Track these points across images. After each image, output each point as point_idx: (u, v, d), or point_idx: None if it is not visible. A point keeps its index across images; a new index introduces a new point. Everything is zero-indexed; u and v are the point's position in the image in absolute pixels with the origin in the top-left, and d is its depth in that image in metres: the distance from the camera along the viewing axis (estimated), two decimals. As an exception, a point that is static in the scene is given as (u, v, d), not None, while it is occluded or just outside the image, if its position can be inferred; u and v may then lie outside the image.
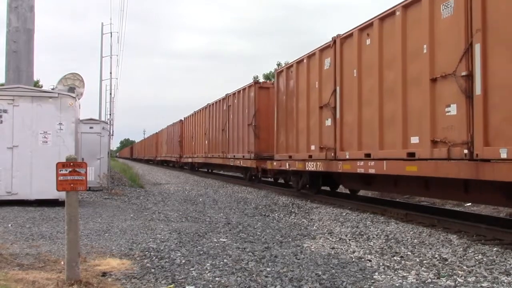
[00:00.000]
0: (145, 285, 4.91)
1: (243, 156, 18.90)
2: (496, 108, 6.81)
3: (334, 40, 11.66)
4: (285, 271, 5.42)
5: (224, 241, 7.20)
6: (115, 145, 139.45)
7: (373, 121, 9.96)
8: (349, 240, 7.56)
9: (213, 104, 24.71)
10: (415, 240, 7.46)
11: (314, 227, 8.84)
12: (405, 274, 5.37)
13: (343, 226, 8.90)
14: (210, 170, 31.21)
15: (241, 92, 19.69)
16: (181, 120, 35.07)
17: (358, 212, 10.76)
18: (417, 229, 8.34)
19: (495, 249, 6.71)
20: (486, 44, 6.93)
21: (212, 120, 24.65)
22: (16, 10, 13.41)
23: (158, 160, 50.41)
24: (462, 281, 5.14)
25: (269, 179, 19.51)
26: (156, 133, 52.00)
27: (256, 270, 5.45)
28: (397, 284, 4.99)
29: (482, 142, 6.92)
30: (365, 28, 10.27)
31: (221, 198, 14.30)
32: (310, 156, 12.75)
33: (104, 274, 5.20)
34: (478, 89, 7.04)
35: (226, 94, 22.02)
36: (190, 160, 31.01)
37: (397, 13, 9.04)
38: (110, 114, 33.64)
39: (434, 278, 5.22)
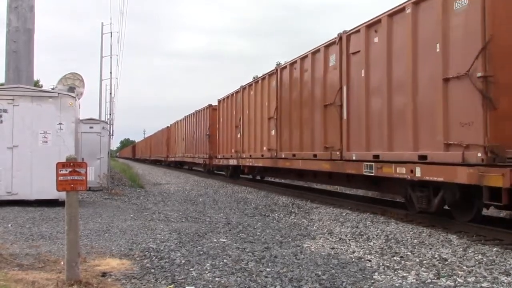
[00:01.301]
0: (145, 285, 4.91)
1: (430, 158, 8.18)
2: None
3: None
4: (285, 271, 5.42)
5: (224, 241, 7.20)
6: (115, 145, 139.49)
7: None
8: (349, 240, 7.56)
9: (290, 64, 14.30)
10: (415, 240, 7.46)
11: (314, 227, 8.84)
12: (405, 274, 5.38)
13: (343, 226, 8.90)
14: (258, 177, 21.92)
15: (410, 7, 8.76)
16: (210, 105, 25.31)
17: (358, 212, 10.76)
18: (417, 229, 8.34)
19: (495, 249, 6.71)
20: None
21: (292, 90, 14.10)
22: (16, 10, 13.41)
23: (170, 161, 39.81)
24: (462, 281, 5.14)
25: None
26: (168, 127, 41.23)
27: (256, 270, 5.45)
28: (397, 284, 4.99)
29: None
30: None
31: (221, 198, 14.30)
32: None
33: (104, 274, 5.20)
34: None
35: (340, 34, 11.34)
36: (232, 162, 20.44)
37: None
38: (110, 114, 33.51)
39: (434, 278, 5.22)
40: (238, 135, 19.46)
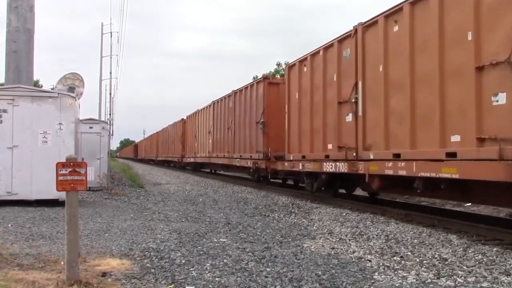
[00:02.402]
0: (145, 285, 4.91)
1: None
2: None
3: None
4: (285, 271, 5.42)
5: (224, 241, 7.20)
6: (115, 145, 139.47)
7: None
8: (349, 240, 7.56)
9: None
10: (415, 240, 7.46)
11: (314, 227, 8.84)
12: (405, 274, 5.38)
13: (343, 226, 8.90)
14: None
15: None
16: (265, 78, 16.92)
17: (358, 212, 10.76)
18: (417, 229, 8.35)
19: (495, 249, 6.71)
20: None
21: None
22: (16, 10, 13.40)
23: (188, 163, 31.70)
24: (462, 281, 5.14)
25: None
26: (183, 120, 33.00)
27: (256, 270, 5.45)
28: (397, 284, 4.99)
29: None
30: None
31: (221, 198, 14.30)
32: None
33: (104, 274, 5.20)
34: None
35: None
36: (332, 167, 11.58)
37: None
38: (110, 114, 33.56)
39: (434, 278, 5.22)
40: (349, 118, 11.02)
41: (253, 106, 17.66)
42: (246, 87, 18.73)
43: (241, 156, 18.95)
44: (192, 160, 29.28)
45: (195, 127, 28.59)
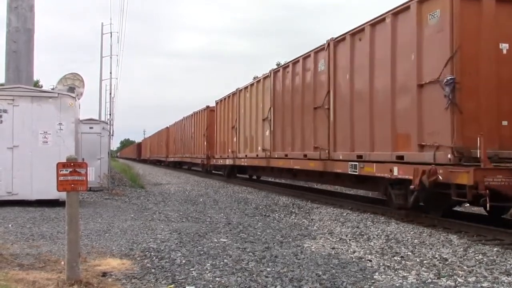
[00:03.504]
0: (145, 285, 4.91)
1: None
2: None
3: None
4: (285, 271, 5.42)
5: (225, 241, 7.20)
6: (115, 145, 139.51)
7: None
8: (350, 240, 7.56)
9: None
10: (416, 240, 7.46)
11: (315, 227, 8.84)
12: (405, 274, 5.38)
13: (344, 226, 8.90)
14: None
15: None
16: None
17: (358, 212, 10.76)
18: (418, 229, 8.35)
19: (495, 249, 6.72)
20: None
21: None
22: (16, 10, 13.40)
23: (219, 166, 24.27)
24: (462, 281, 5.14)
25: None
26: (207, 108, 25.96)
27: (256, 270, 5.45)
28: (397, 284, 4.99)
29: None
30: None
31: (221, 198, 14.29)
32: None
33: (104, 274, 5.20)
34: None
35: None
36: None
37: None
38: (110, 114, 33.49)
39: (434, 278, 5.22)
40: None
41: (401, 57, 9.06)
42: (375, 22, 9.87)
43: (360, 156, 10.26)
44: (227, 162, 21.12)
45: (232, 114, 20.55)
